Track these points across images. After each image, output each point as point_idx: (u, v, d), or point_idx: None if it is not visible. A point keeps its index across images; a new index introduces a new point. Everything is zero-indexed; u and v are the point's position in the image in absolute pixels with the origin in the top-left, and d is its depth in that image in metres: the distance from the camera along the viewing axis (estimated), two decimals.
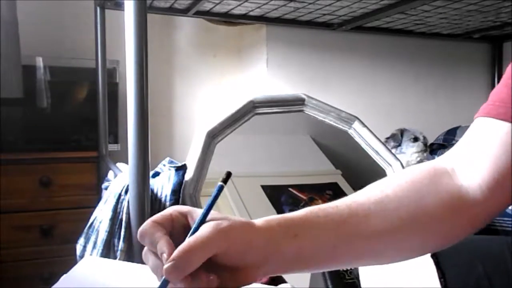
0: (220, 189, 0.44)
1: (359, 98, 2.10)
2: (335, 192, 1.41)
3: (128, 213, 0.94)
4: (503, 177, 0.48)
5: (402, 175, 0.52)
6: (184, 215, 0.43)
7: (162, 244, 0.39)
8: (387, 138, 1.79)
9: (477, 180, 0.49)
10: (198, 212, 0.42)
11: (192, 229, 0.41)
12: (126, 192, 0.97)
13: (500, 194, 0.49)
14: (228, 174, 0.45)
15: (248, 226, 0.42)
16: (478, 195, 0.49)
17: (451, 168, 0.52)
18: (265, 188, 1.33)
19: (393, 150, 1.65)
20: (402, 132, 1.79)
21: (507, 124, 0.49)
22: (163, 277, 0.38)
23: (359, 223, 0.46)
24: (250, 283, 0.41)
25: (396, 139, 1.78)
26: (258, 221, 0.43)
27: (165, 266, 0.37)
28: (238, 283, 0.40)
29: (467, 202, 0.49)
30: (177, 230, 0.42)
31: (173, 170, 1.03)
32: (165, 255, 0.38)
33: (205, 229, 0.39)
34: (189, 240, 0.39)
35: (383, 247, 0.48)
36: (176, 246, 0.39)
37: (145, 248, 0.41)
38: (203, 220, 0.41)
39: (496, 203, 0.50)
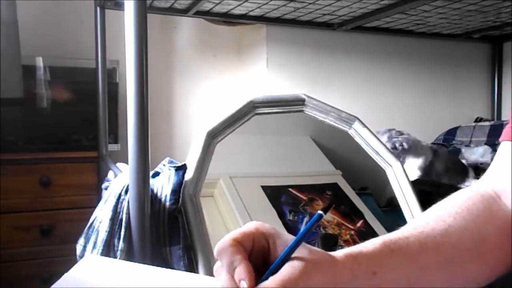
0: (319, 218, 0.42)
1: (359, 98, 2.10)
2: (335, 192, 1.41)
3: (128, 213, 0.94)
4: None
5: (455, 202, 0.53)
6: (267, 238, 0.41)
7: (242, 270, 0.38)
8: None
9: None
10: (283, 238, 0.41)
11: (276, 261, 0.39)
12: (126, 192, 0.97)
13: None
14: (331, 205, 0.44)
15: (332, 263, 0.41)
16: None
17: (493, 191, 0.54)
18: (265, 188, 1.33)
19: None
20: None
21: None
22: None
23: (430, 256, 0.47)
24: None
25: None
26: (339, 255, 0.42)
27: None
28: None
29: None
30: (256, 252, 0.40)
31: (173, 170, 1.02)
32: (244, 284, 0.37)
33: (291, 270, 0.38)
34: (274, 280, 0.37)
35: (452, 277, 0.49)
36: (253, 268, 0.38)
37: (219, 263, 0.40)
38: (289, 254, 0.39)
39: None
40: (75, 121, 1.74)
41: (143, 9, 0.87)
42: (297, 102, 1.27)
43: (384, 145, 1.27)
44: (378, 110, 2.13)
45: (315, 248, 0.42)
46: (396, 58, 2.20)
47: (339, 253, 0.43)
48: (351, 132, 1.29)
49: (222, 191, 1.28)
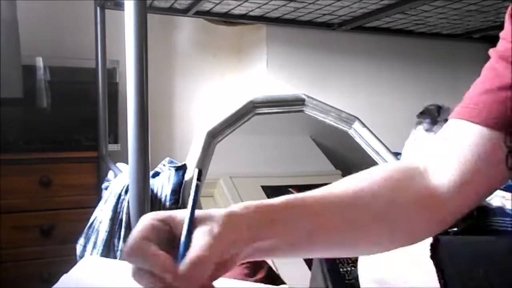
0: (197, 188, 0.43)
1: (359, 98, 2.10)
2: None
3: (128, 213, 0.94)
4: (471, 178, 0.50)
5: (377, 171, 0.54)
6: (166, 222, 0.40)
7: (160, 263, 0.37)
8: (421, 113, 1.59)
9: (446, 179, 0.51)
10: (179, 217, 0.41)
11: (183, 239, 0.39)
12: (126, 192, 0.97)
13: (467, 194, 0.51)
14: (200, 171, 0.45)
15: (233, 218, 0.41)
16: (446, 194, 0.51)
17: (424, 167, 0.53)
18: (265, 188, 1.33)
19: (426, 127, 1.51)
20: (438, 108, 1.58)
21: (477, 126, 0.51)
22: None
23: (334, 214, 0.48)
24: (232, 268, 0.42)
25: (431, 114, 1.57)
26: (237, 207, 0.43)
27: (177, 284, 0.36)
28: (220, 274, 0.41)
29: (436, 201, 0.51)
30: (163, 240, 0.39)
31: (173, 170, 1.03)
32: (168, 276, 0.36)
33: (201, 239, 0.38)
34: (190, 254, 0.37)
35: (355, 239, 0.50)
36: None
37: (135, 268, 0.38)
38: (190, 228, 0.39)
39: (463, 203, 0.52)
40: (75, 121, 1.74)
41: (143, 9, 0.87)
42: (297, 102, 1.27)
43: (384, 145, 1.27)
44: (378, 110, 2.12)
45: (211, 211, 0.42)
46: (396, 58, 2.20)
47: (239, 205, 0.43)
48: (351, 132, 1.29)
49: (222, 191, 1.28)
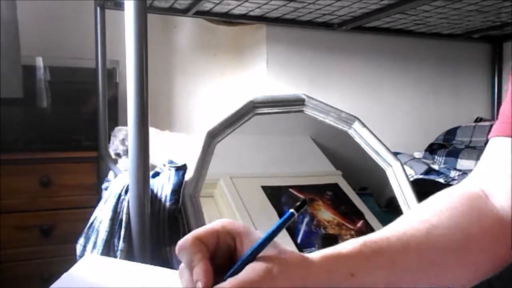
0: (290, 216, 0.39)
1: (359, 98, 2.10)
2: (336, 193, 1.41)
3: (128, 213, 0.94)
4: None
5: (439, 201, 0.51)
6: (233, 236, 0.39)
7: (199, 270, 0.36)
8: None
9: (507, 202, 0.49)
10: (251, 237, 0.39)
11: (238, 262, 0.37)
12: (126, 192, 0.97)
13: None
14: (304, 202, 0.40)
15: (304, 266, 0.39)
16: (510, 217, 0.49)
17: (481, 190, 0.51)
18: (265, 188, 1.33)
19: None
20: None
21: None
22: None
23: (412, 257, 0.45)
24: None
25: None
26: (314, 256, 0.40)
27: None
28: None
29: (505, 225, 0.49)
30: (222, 251, 0.38)
31: (173, 170, 1.03)
32: (199, 284, 0.35)
33: (252, 273, 0.36)
34: (231, 282, 0.35)
35: (433, 280, 0.47)
36: (217, 269, 0.37)
37: (182, 265, 0.38)
38: (254, 254, 0.37)
39: None
40: (75, 121, 1.74)
41: (143, 9, 0.87)
42: (297, 102, 1.27)
43: (384, 145, 1.27)
44: (378, 110, 2.12)
45: (287, 249, 0.39)
46: (396, 58, 2.20)
47: (316, 254, 0.41)
48: (351, 132, 1.29)
49: (222, 191, 1.28)
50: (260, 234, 0.39)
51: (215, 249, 0.38)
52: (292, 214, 0.39)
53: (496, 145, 0.52)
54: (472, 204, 0.50)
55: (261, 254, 0.38)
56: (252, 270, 0.36)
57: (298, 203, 0.39)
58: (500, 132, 0.52)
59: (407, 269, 0.45)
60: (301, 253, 0.40)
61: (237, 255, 0.39)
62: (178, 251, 0.38)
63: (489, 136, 0.53)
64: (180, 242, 0.38)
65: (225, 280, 0.36)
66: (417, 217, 0.48)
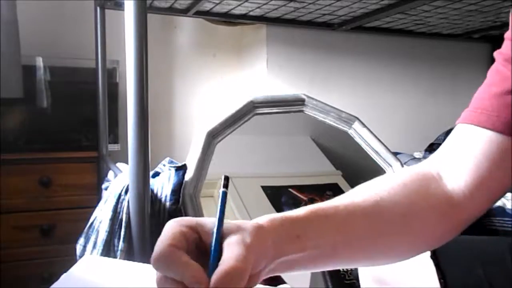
0: (224, 195, 0.42)
1: (359, 98, 2.10)
2: (335, 193, 1.41)
3: (128, 213, 0.94)
4: (484, 182, 0.52)
5: (393, 178, 0.54)
6: (195, 230, 0.39)
7: (192, 274, 0.35)
8: None
9: (461, 184, 0.52)
10: (208, 224, 0.40)
11: (212, 249, 0.38)
12: (126, 192, 0.97)
13: (481, 198, 0.52)
14: (226, 178, 0.43)
15: (259, 230, 0.40)
16: (461, 199, 0.52)
17: (437, 173, 0.54)
18: (265, 188, 1.33)
19: None
20: None
21: (488, 132, 0.52)
22: None
23: (357, 225, 0.47)
24: (255, 285, 0.40)
25: None
26: (263, 221, 0.42)
27: None
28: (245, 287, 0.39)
29: (452, 206, 0.52)
30: (191, 248, 0.38)
31: (173, 170, 1.03)
32: (199, 285, 0.35)
33: (235, 248, 0.37)
34: (224, 264, 0.36)
35: (377, 248, 0.50)
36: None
37: (160, 275, 0.37)
38: (219, 235, 0.39)
39: (477, 207, 0.53)
40: (75, 121, 1.74)
41: (143, 9, 0.87)
42: (297, 102, 1.27)
43: (384, 145, 1.27)
44: (378, 110, 2.12)
45: (239, 221, 0.41)
46: (396, 58, 2.20)
47: (264, 218, 0.42)
48: (351, 132, 1.29)
49: None
50: (211, 220, 0.40)
51: (186, 251, 0.38)
52: (224, 192, 0.42)
53: (459, 131, 0.56)
54: (423, 182, 0.53)
55: (224, 231, 0.39)
56: (231, 246, 0.37)
57: (224, 182, 0.43)
58: (465, 119, 0.55)
59: (353, 235, 0.47)
60: (253, 222, 0.41)
61: (206, 244, 0.39)
62: (156, 263, 0.36)
63: (456, 122, 0.57)
64: (156, 255, 0.36)
65: (211, 269, 0.37)
66: (366, 190, 0.51)
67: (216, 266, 0.37)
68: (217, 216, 0.40)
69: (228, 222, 0.40)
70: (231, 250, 0.37)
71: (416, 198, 0.51)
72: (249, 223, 0.41)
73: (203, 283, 0.35)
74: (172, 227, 0.39)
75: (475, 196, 0.52)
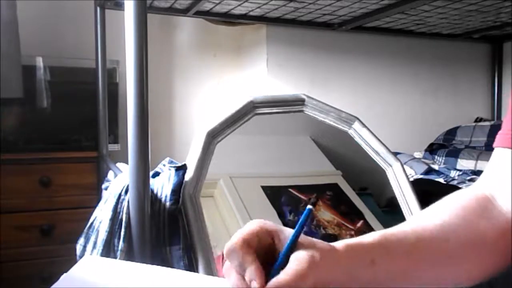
0: (309, 212, 0.43)
1: (359, 98, 2.10)
2: (335, 193, 1.41)
3: (128, 213, 0.93)
4: None
5: (453, 201, 0.55)
6: (271, 235, 0.42)
7: (253, 271, 0.39)
8: None
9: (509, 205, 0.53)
10: (285, 233, 0.42)
11: (281, 256, 0.41)
12: (126, 192, 0.97)
13: None
14: (317, 198, 0.47)
15: (332, 253, 0.42)
16: None
17: (490, 194, 0.56)
18: (265, 188, 1.33)
19: None
20: None
21: None
22: None
23: (426, 249, 0.49)
24: None
25: None
26: (338, 245, 0.44)
27: None
28: None
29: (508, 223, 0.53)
30: (261, 249, 0.41)
31: (173, 170, 1.02)
32: (255, 284, 0.38)
33: (300, 263, 0.39)
34: (287, 273, 0.39)
35: (447, 272, 0.50)
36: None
37: (228, 264, 0.41)
38: (291, 248, 0.41)
39: None
40: (75, 121, 1.73)
41: (143, 9, 0.87)
42: (297, 102, 1.27)
43: (384, 145, 1.27)
44: (378, 110, 2.12)
45: (315, 239, 0.43)
46: (396, 58, 2.20)
47: (339, 244, 0.44)
48: (351, 132, 1.29)
49: (222, 191, 1.28)
50: (290, 230, 0.42)
51: (256, 250, 0.41)
52: (310, 210, 0.43)
53: (499, 154, 0.57)
54: (481, 203, 0.54)
55: (298, 248, 0.41)
56: (298, 260, 0.39)
57: (313, 200, 0.45)
58: (500, 143, 0.57)
59: (422, 260, 0.48)
60: (329, 243, 0.43)
61: (276, 251, 0.42)
62: (227, 254, 0.40)
63: (494, 145, 0.58)
64: (228, 245, 0.40)
65: (273, 274, 0.40)
66: (430, 214, 0.53)
67: (277, 273, 0.39)
68: (296, 228, 0.42)
69: (305, 237, 0.42)
70: (296, 264, 0.39)
71: (478, 219, 0.52)
72: (324, 244, 0.43)
73: (259, 283, 0.38)
74: (251, 225, 0.42)
75: None
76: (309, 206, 0.44)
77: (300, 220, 0.42)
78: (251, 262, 0.39)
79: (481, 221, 0.52)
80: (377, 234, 0.47)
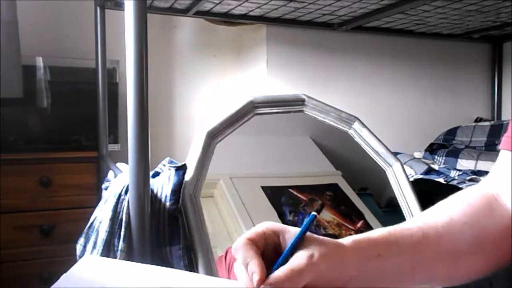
0: (313, 218, 0.46)
1: (359, 98, 2.10)
2: (335, 193, 1.41)
3: (128, 213, 0.93)
4: None
5: (460, 199, 0.57)
6: (277, 234, 0.45)
7: (253, 265, 0.42)
8: None
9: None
10: (291, 233, 0.45)
11: (283, 255, 0.43)
12: (126, 192, 0.97)
13: None
14: (322, 205, 0.49)
15: (339, 249, 0.45)
16: None
17: (496, 193, 0.57)
18: (265, 188, 1.33)
19: None
20: None
21: None
22: None
23: (432, 246, 0.50)
24: None
25: None
26: (346, 241, 0.46)
27: None
28: None
29: None
30: (269, 249, 0.44)
31: (173, 170, 1.02)
32: (255, 276, 0.41)
33: (298, 261, 0.42)
34: (282, 270, 0.41)
35: (454, 268, 0.52)
36: (266, 265, 0.42)
37: (238, 261, 0.44)
38: (294, 247, 0.43)
39: None
40: (75, 121, 1.74)
41: (143, 9, 0.87)
42: (297, 102, 1.27)
43: (384, 145, 1.27)
44: (378, 110, 2.12)
45: (323, 237, 0.45)
46: (396, 58, 2.20)
47: (347, 240, 0.46)
48: (351, 132, 1.28)
49: (222, 191, 1.28)
50: (295, 229, 0.45)
51: (264, 249, 0.44)
52: (314, 216, 0.46)
53: (503, 156, 0.59)
54: (486, 201, 0.56)
55: (304, 246, 0.44)
56: (297, 258, 0.42)
57: (317, 207, 0.48)
58: (503, 145, 0.58)
59: (428, 254, 0.50)
60: (336, 240, 0.46)
61: (282, 250, 0.45)
62: (234, 252, 0.44)
63: (499, 147, 0.59)
64: (235, 244, 0.44)
65: (273, 270, 0.42)
66: (436, 211, 0.55)
67: (282, 263, 0.43)
68: (298, 232, 0.44)
69: (312, 235, 0.45)
70: (293, 262, 0.42)
71: (484, 217, 0.54)
72: (331, 241, 0.45)
73: (259, 275, 0.41)
74: (259, 226, 0.45)
75: None
76: (313, 213, 0.46)
77: (303, 225, 0.45)
78: (252, 257, 0.42)
79: (487, 219, 0.54)
80: (385, 230, 0.49)
